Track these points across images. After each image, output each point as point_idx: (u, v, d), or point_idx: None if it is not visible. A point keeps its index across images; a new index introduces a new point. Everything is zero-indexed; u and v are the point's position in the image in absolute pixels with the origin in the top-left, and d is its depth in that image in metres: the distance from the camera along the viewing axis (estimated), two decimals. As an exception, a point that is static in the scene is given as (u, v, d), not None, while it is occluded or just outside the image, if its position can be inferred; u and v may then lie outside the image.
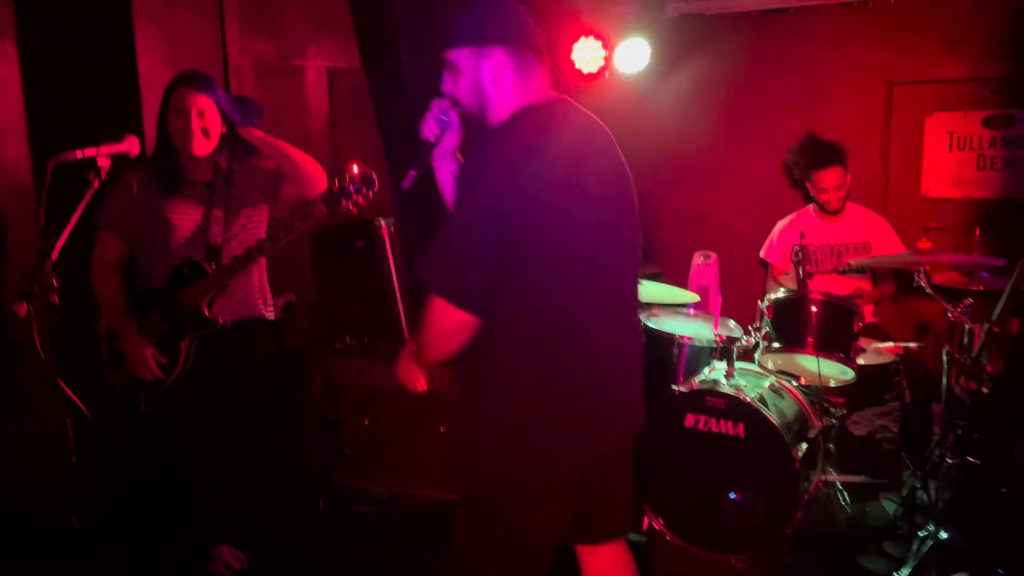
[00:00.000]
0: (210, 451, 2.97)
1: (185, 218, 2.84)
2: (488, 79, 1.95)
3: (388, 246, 3.94)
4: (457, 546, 2.01)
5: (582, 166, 1.88)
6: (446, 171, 2.07)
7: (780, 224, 4.45)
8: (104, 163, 2.46)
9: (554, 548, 2.02)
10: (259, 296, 3.01)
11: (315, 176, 2.85)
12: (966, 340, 2.92)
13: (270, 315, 3.05)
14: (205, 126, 2.79)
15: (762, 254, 4.52)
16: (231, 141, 2.88)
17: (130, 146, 2.54)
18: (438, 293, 1.82)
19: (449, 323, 1.83)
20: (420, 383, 2.17)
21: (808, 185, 4.27)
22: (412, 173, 2.05)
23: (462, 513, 2.02)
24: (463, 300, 1.80)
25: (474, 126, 2.04)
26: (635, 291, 2.11)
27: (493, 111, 1.97)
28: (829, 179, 4.13)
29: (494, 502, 1.95)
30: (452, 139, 2.06)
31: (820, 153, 4.17)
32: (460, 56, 1.97)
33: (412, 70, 3.75)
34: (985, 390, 1.75)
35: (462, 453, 2.01)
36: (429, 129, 2.04)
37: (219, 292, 2.85)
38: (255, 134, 2.83)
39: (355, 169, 2.72)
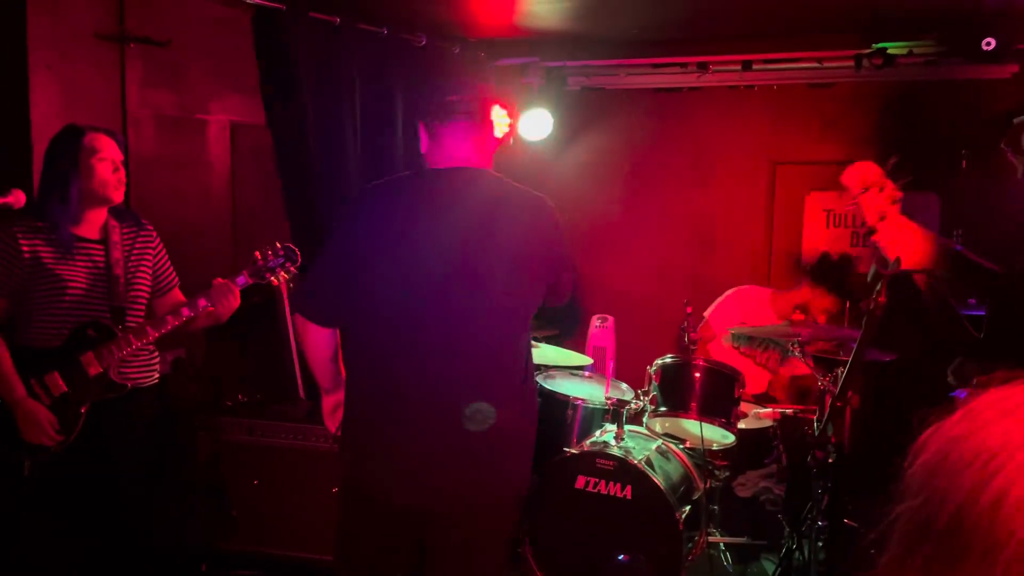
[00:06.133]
0: (100, 518, 2.82)
1: (81, 277, 2.72)
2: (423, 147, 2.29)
3: (286, 302, 3.89)
4: None
5: (416, 214, 2.18)
6: None
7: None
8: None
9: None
10: (151, 361, 2.93)
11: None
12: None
13: (156, 379, 2.96)
14: (120, 177, 2.75)
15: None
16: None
17: (15, 199, 2.47)
18: (293, 309, 2.30)
19: (300, 330, 2.26)
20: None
21: None
22: None
23: None
24: (302, 311, 2.24)
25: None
26: (486, 336, 2.17)
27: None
28: None
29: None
30: None
31: None
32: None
33: (317, 127, 3.78)
34: (831, 460, 1.90)
35: None
36: None
37: (127, 356, 2.75)
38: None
39: (279, 244, 2.74)
